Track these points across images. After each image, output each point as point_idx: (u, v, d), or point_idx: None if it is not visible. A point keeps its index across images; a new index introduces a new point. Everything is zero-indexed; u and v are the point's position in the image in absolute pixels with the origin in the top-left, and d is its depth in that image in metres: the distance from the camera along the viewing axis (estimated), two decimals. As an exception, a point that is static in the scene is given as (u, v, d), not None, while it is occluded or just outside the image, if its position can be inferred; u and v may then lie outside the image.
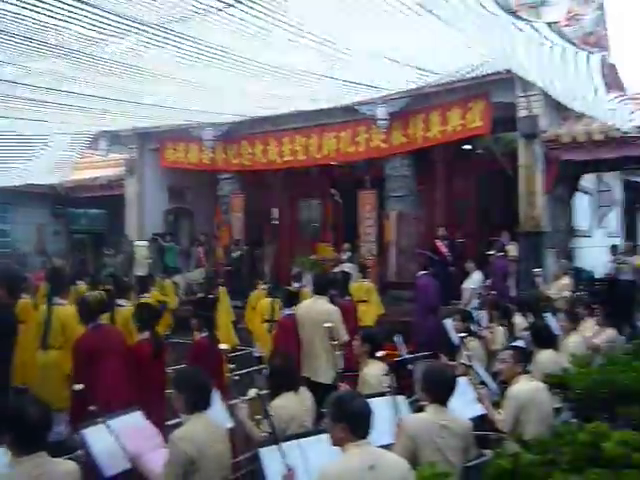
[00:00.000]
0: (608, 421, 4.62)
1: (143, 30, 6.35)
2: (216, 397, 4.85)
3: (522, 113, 11.48)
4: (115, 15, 5.93)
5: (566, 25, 11.79)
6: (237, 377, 5.26)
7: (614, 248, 12.80)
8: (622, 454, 2.67)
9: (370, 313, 10.27)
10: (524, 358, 5.24)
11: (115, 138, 15.73)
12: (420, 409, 4.36)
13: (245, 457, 4.74)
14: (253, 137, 14.93)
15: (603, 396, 4.22)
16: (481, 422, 5.54)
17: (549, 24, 5.45)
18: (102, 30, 6.30)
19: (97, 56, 7.16)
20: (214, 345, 5.68)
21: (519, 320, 7.84)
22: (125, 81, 8.09)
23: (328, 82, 9.54)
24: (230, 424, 4.81)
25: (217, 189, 16.27)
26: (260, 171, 15.91)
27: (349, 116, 13.08)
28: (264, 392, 4.63)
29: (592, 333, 7.49)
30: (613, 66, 13.14)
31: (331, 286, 6.68)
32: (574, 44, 6.07)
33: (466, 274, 11.13)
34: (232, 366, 5.18)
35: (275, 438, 3.72)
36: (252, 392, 4.51)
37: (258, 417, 4.42)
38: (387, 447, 4.00)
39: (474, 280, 10.09)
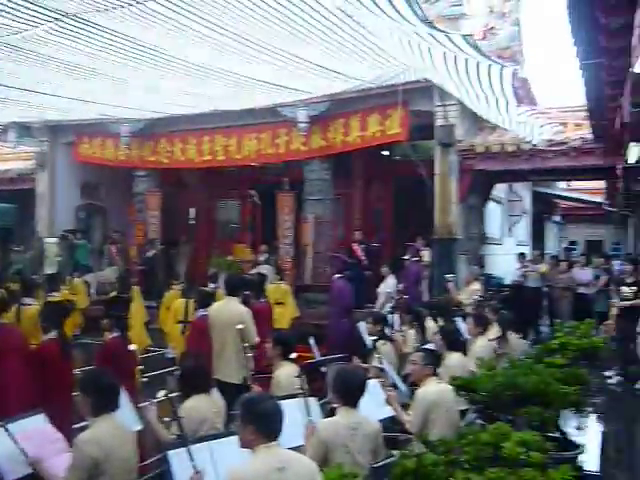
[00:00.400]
0: (511, 422, 4.79)
1: (58, 19, 6.11)
2: (125, 399, 4.73)
3: (439, 122, 11.76)
4: (30, 2, 5.68)
5: (483, 38, 12.21)
6: (147, 379, 5.14)
7: (522, 256, 13.30)
8: (520, 453, 2.77)
9: (286, 316, 10.28)
10: (434, 361, 5.34)
11: (25, 130, 15.11)
12: (332, 411, 4.38)
13: (154, 460, 4.62)
14: (172, 135, 14.65)
15: (506, 398, 4.36)
16: (392, 423, 5.65)
17: (464, 36, 5.60)
18: (15, 17, 6.02)
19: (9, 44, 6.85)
20: (125, 346, 5.52)
21: (430, 324, 8.01)
22: (35, 70, 7.77)
23: (248, 83, 9.50)
24: (139, 426, 4.70)
25: (132, 186, 15.87)
26: (178, 169, 15.63)
27: (270, 118, 13.03)
28: (175, 394, 4.54)
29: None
30: (526, 81, 13.68)
31: (244, 287, 6.61)
32: (488, 57, 6.27)
33: (381, 278, 11.29)
34: (141, 367, 5.05)
35: (184, 440, 3.65)
36: (161, 393, 4.41)
37: (167, 419, 4.33)
38: (298, 449, 4.01)
39: (388, 284, 10.26)
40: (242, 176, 16.48)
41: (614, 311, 9.51)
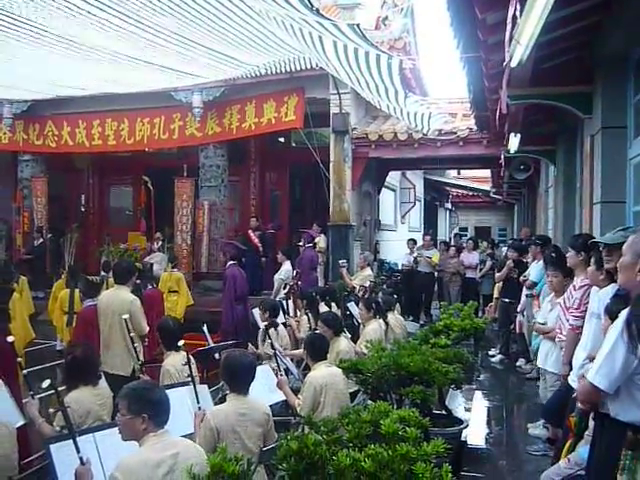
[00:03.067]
0: (399, 401, 4.97)
1: None
2: (5, 394, 4.54)
3: (334, 110, 11.91)
4: None
5: (376, 28, 12.45)
6: (32, 372, 4.94)
7: (411, 242, 13.70)
8: (397, 429, 2.89)
9: (180, 304, 10.17)
10: (325, 345, 5.43)
11: None
12: (224, 397, 4.39)
13: (39, 455, 4.47)
14: (59, 117, 14.03)
15: (391, 378, 4.52)
16: (283, 408, 5.72)
17: (351, 25, 5.70)
18: None
19: None
20: (4, 339, 5.27)
21: (324, 309, 8.14)
22: None
23: (141, 66, 9.26)
24: (21, 422, 4.52)
25: (17, 171, 15.10)
26: (67, 154, 15.01)
27: (164, 102, 12.75)
28: (60, 385, 4.39)
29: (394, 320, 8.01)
30: (418, 71, 14.09)
31: (133, 275, 6.44)
32: (376, 47, 6.41)
33: (278, 264, 11.34)
34: (20, 360, 4.85)
35: (70, 430, 3.55)
36: (45, 383, 4.23)
37: (52, 410, 4.19)
38: (188, 436, 3.99)
39: (283, 270, 10.31)
40: (136, 161, 16.03)
41: (495, 293, 10.01)
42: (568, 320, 5.00)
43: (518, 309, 8.46)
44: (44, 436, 4.19)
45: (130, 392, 3.24)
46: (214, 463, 2.77)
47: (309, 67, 10.56)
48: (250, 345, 7.23)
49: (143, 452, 3.09)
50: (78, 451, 3.39)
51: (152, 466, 2.99)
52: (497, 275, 9.79)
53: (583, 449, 3.52)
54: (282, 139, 15.57)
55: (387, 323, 7.54)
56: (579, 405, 3.33)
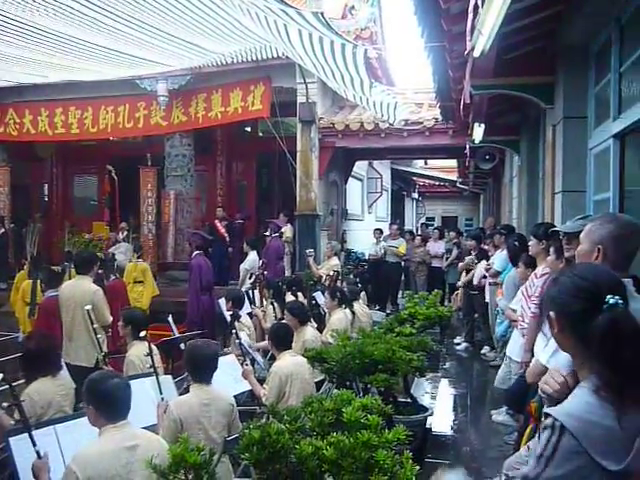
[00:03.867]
0: (364, 390, 5.00)
1: None
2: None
3: (301, 99, 11.87)
4: None
5: (342, 18, 12.42)
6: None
7: (378, 231, 13.75)
8: (359, 417, 2.90)
9: (145, 294, 10.07)
10: (290, 334, 5.44)
11: None
12: (189, 388, 4.36)
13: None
14: (21, 105, 13.72)
15: (355, 367, 4.54)
16: (249, 398, 5.72)
17: (315, 14, 5.67)
18: None
19: None
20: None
21: (291, 299, 8.14)
22: None
23: (105, 53, 9.10)
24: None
25: (-24, 161, 14.76)
26: (29, 142, 14.70)
27: (128, 90, 12.56)
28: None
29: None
30: (384, 61, 14.10)
31: (95, 265, 6.35)
32: (340, 36, 6.38)
33: (245, 255, 11.30)
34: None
35: (25, 425, 3.49)
36: (-2, 377, 4.16)
37: (6, 404, 4.11)
38: (151, 427, 3.97)
39: (249, 261, 10.28)
40: (101, 150, 15.78)
41: (460, 283, 10.12)
42: (530, 308, 5.07)
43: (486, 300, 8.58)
44: (3, 428, 4.13)
45: (87, 383, 3.24)
46: (175, 453, 2.76)
47: (275, 56, 10.51)
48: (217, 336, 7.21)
49: (100, 443, 3.08)
50: (34, 445, 3.36)
51: (109, 458, 2.97)
52: (460, 265, 9.90)
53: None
54: (249, 129, 15.48)
55: (353, 313, 7.58)
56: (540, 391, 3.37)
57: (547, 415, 1.75)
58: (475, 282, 8.86)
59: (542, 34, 5.84)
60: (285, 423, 3.13)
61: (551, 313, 1.92)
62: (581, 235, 2.88)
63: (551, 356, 2.73)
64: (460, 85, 6.51)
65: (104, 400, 3.10)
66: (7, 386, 3.72)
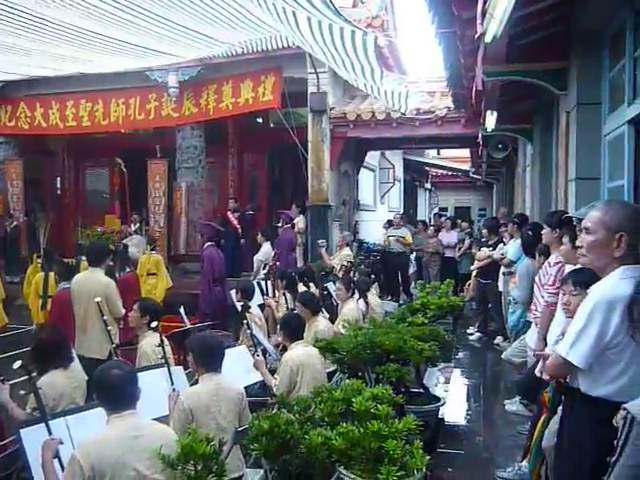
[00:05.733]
0: (376, 380, 4.97)
1: None
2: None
3: (312, 89, 11.80)
4: None
5: (353, 6, 12.33)
6: (6, 357, 4.88)
7: (388, 222, 13.69)
8: (369, 407, 2.88)
9: (159, 286, 10.08)
10: (302, 325, 5.41)
11: None
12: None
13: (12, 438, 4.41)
14: (32, 98, 13.77)
15: (366, 357, 4.51)
16: (261, 389, 5.70)
17: (324, 1, 5.61)
18: None
19: None
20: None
21: (303, 289, 8.12)
22: None
23: (115, 45, 9.09)
24: (-7, 406, 4.46)
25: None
26: (41, 136, 14.75)
27: (139, 82, 12.56)
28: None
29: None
30: (396, 49, 13.99)
31: (107, 257, 6.36)
32: (350, 22, 6.32)
33: (258, 246, 11.28)
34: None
35: (42, 412, 3.51)
36: (16, 364, 4.16)
37: (22, 392, 4.13)
38: (164, 419, 3.96)
39: (263, 252, 10.26)
40: (112, 143, 15.80)
41: (474, 272, 10.04)
42: (543, 297, 5.01)
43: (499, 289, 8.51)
44: (16, 421, 4.15)
45: (96, 374, 3.25)
46: (184, 444, 2.75)
47: (286, 46, 10.45)
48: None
49: (104, 433, 3.08)
50: (50, 433, 3.37)
51: (112, 446, 2.96)
52: (478, 254, 9.76)
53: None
54: (260, 119, 15.43)
55: (367, 303, 7.55)
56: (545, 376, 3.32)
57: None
58: (496, 257, 8.72)
59: (555, 19, 5.75)
60: (295, 413, 3.12)
61: None
62: (589, 226, 2.76)
63: (570, 347, 2.68)
64: (472, 72, 6.42)
65: (106, 391, 3.12)
66: (25, 376, 3.73)
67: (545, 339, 4.58)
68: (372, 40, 6.33)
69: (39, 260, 9.85)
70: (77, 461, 2.87)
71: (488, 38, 4.17)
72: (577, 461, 2.70)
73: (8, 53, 9.39)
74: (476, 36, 4.23)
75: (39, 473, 3.35)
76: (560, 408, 3.54)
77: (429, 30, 5.52)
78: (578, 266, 4.00)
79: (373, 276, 9.59)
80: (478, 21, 3.92)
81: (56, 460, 3.21)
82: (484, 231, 9.63)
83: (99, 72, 11.44)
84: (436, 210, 25.97)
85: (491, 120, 8.32)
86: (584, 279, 3.20)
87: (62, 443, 3.32)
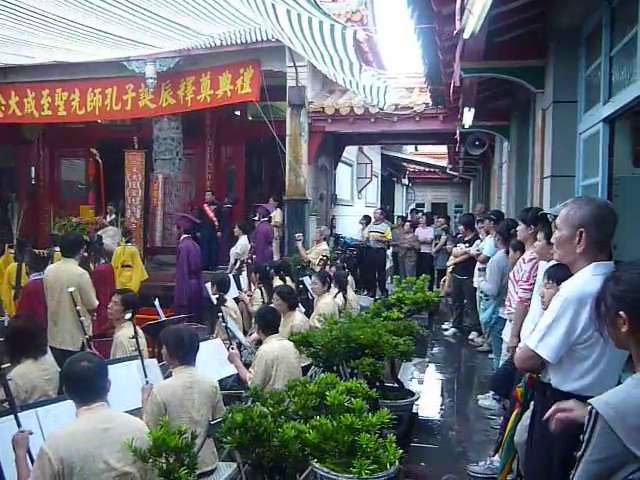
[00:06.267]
0: (351, 375, 4.98)
1: None
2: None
3: (290, 83, 11.76)
4: None
5: (333, 1, 12.30)
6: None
7: (364, 219, 13.72)
8: (342, 401, 2.88)
9: (134, 278, 9.98)
10: (277, 318, 5.40)
11: None
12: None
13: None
14: (7, 87, 13.49)
15: (341, 351, 4.51)
16: (236, 382, 5.68)
17: (304, -6, 5.59)
18: None
19: None
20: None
21: (278, 283, 8.11)
22: None
23: (92, 34, 8.96)
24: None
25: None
26: (15, 124, 14.52)
27: (116, 72, 12.38)
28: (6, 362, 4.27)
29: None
30: (376, 45, 13.98)
31: (81, 248, 6.28)
32: (329, 16, 6.30)
33: (235, 239, 11.24)
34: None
35: (10, 406, 3.46)
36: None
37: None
38: (137, 411, 3.94)
39: (240, 245, 10.23)
40: (88, 133, 15.57)
41: (449, 268, 10.10)
42: (517, 292, 5.05)
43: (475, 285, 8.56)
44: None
45: (64, 366, 3.23)
46: (156, 437, 2.73)
47: (265, 39, 10.40)
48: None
49: (73, 425, 3.05)
50: (19, 425, 3.32)
51: (81, 439, 2.93)
52: (455, 250, 9.79)
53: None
54: (238, 112, 15.34)
55: (346, 298, 7.57)
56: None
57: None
58: (472, 253, 8.79)
59: (533, 17, 5.79)
60: (268, 407, 3.11)
61: (621, 313, 1.90)
62: (557, 221, 2.83)
63: (539, 341, 2.71)
64: (450, 68, 6.44)
65: (75, 383, 3.09)
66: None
67: (519, 335, 4.61)
68: (351, 34, 6.31)
69: (11, 250, 9.70)
70: (45, 454, 2.85)
71: (466, 34, 4.18)
72: (547, 455, 2.73)
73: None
74: (455, 32, 4.24)
75: (8, 465, 3.31)
76: (532, 403, 3.58)
77: (408, 25, 5.51)
78: (552, 262, 4.05)
79: (348, 271, 9.60)
80: (457, 17, 3.93)
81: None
82: (460, 227, 9.69)
83: (75, 61, 11.27)
84: (413, 206, 26.08)
85: (469, 116, 8.36)
86: (558, 274, 3.24)
87: (32, 434, 3.28)
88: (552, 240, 2.88)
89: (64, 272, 6.08)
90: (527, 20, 5.84)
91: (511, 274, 5.44)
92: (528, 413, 3.71)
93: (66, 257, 6.17)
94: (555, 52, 5.73)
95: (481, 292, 7.08)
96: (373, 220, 13.40)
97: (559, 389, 2.70)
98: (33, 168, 16.78)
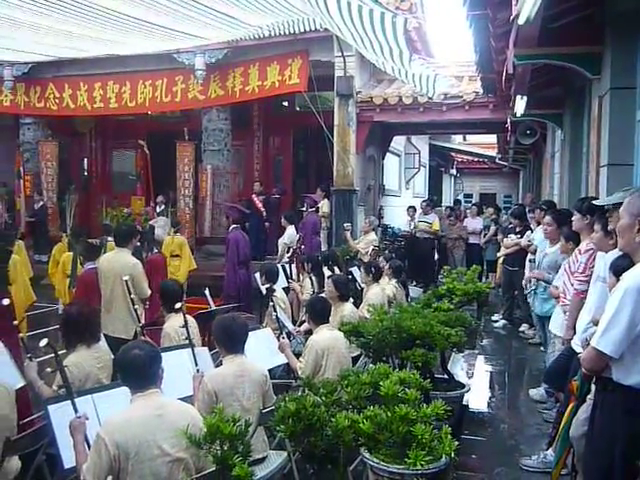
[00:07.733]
0: (400, 365, 4.95)
1: None
2: (5, 356, 4.52)
3: (339, 73, 11.72)
4: None
5: (381, -11, 12.16)
6: (24, 335, 4.92)
7: (411, 209, 13.61)
8: (396, 391, 2.87)
9: (182, 268, 10.10)
10: (327, 308, 5.38)
11: None
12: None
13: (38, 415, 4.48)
14: (61, 80, 13.85)
15: (392, 341, 4.49)
16: (285, 372, 5.71)
17: (354, -18, 5.53)
18: None
19: None
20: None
21: (327, 273, 8.10)
22: None
23: (143, 27, 9.08)
24: (21, 383, 4.51)
25: (19, 135, 14.98)
26: (69, 117, 14.87)
27: (166, 64, 12.57)
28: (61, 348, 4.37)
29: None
30: (424, 33, 13.82)
31: (134, 238, 6.38)
32: (379, 3, 6.23)
33: (282, 229, 11.29)
34: (15, 323, 4.81)
35: (68, 390, 3.55)
36: (43, 342, 4.21)
37: (49, 370, 4.17)
38: (188, 399, 3.99)
39: (287, 235, 10.26)
40: (139, 125, 15.87)
41: (500, 259, 9.94)
42: (573, 284, 4.94)
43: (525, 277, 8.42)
44: (43, 398, 4.19)
45: (118, 354, 3.29)
46: (210, 424, 2.76)
47: (313, 29, 10.36)
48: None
49: (128, 411, 3.11)
50: (76, 411, 3.40)
51: (136, 424, 2.98)
52: (506, 241, 9.63)
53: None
54: (286, 103, 15.39)
55: (404, 286, 7.54)
56: (583, 370, 3.28)
57: None
58: (524, 244, 8.65)
59: (588, 2, 5.63)
60: (321, 396, 3.11)
61: None
62: (620, 210, 2.77)
63: (600, 336, 2.64)
64: (502, 56, 6.32)
65: (128, 370, 3.15)
66: (51, 354, 3.77)
67: (574, 327, 4.52)
68: (402, 22, 6.24)
69: (66, 240, 9.93)
70: (102, 439, 2.90)
71: (521, 20, 4.09)
72: (607, 451, 2.66)
73: (36, 34, 9.44)
74: (511, 18, 4.15)
75: (65, 448, 3.40)
76: (589, 397, 3.50)
77: (459, 13, 5.42)
78: (610, 254, 3.94)
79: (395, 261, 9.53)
80: (513, 2, 3.84)
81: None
82: (514, 221, 9.48)
83: (127, 54, 11.46)
84: (460, 196, 25.76)
85: (521, 105, 8.19)
86: (618, 266, 3.14)
87: (87, 419, 3.36)
88: (615, 228, 2.83)
89: (118, 261, 6.18)
90: (582, 5, 5.68)
91: (565, 265, 5.32)
92: (584, 407, 3.64)
93: (120, 247, 6.28)
94: (613, 37, 5.55)
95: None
96: (419, 211, 13.28)
97: (621, 383, 2.63)
98: (86, 160, 17.17)
